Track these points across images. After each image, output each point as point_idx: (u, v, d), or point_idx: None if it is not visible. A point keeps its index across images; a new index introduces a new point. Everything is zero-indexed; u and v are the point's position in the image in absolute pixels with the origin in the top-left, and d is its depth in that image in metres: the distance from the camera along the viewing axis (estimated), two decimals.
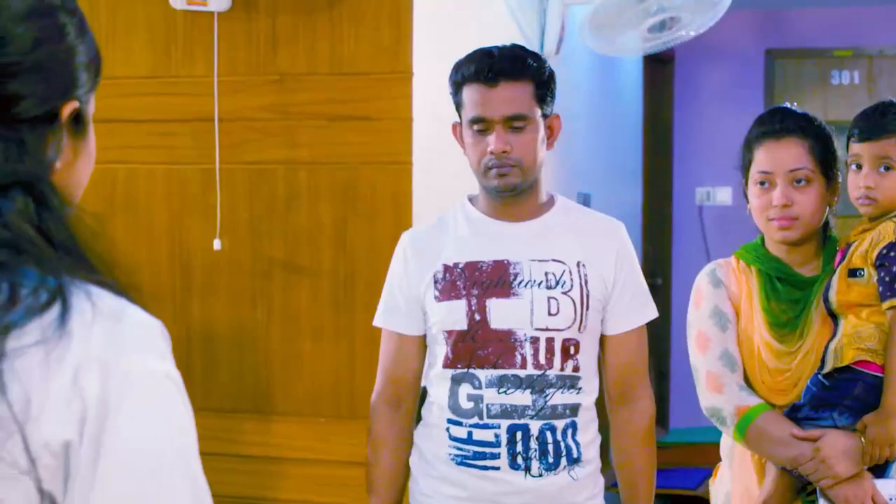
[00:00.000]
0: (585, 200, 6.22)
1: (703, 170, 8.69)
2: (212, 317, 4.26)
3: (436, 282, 3.14)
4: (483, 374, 3.07)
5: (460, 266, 3.12)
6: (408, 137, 4.00)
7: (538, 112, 3.09)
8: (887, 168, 3.02)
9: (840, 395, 2.97)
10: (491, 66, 3.05)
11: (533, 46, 5.05)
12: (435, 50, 4.13)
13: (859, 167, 3.06)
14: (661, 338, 8.33)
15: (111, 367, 1.25)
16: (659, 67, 8.66)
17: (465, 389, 3.10)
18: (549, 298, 3.08)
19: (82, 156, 1.44)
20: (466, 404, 3.10)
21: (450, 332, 3.11)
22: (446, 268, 3.14)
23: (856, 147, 3.07)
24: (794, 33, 8.74)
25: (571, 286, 3.09)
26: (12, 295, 1.24)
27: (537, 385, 3.06)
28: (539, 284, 3.08)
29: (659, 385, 8.22)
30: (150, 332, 1.33)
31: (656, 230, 8.67)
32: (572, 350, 3.09)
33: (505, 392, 3.05)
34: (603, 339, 3.21)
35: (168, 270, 4.28)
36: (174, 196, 4.28)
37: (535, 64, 3.10)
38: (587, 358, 3.13)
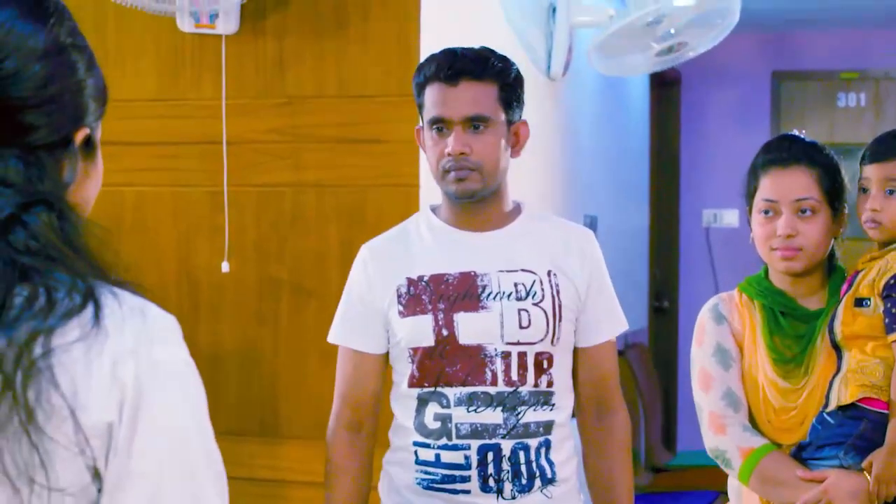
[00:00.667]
0: (592, 222, 6.22)
1: (710, 192, 8.69)
2: (219, 338, 4.26)
3: (399, 296, 2.97)
4: (451, 393, 2.90)
5: (425, 279, 2.96)
6: (415, 160, 4.01)
7: (502, 115, 2.95)
8: (892, 191, 2.99)
9: (845, 434, 2.89)
10: (452, 65, 2.92)
11: (540, 69, 5.06)
12: None
13: (866, 191, 3.03)
14: (668, 359, 8.31)
15: (142, 358, 1.46)
16: (666, 90, 8.67)
17: (432, 409, 2.93)
18: (519, 310, 2.92)
19: (91, 176, 1.61)
20: (433, 424, 2.93)
21: (415, 350, 2.94)
22: (410, 281, 2.97)
23: (866, 170, 3.04)
24: (801, 55, 8.76)
25: (543, 297, 2.94)
26: (49, 298, 1.42)
27: (509, 402, 2.89)
28: (509, 296, 2.92)
29: (666, 407, 8.20)
30: (170, 325, 1.53)
31: (663, 252, 8.66)
32: (545, 364, 2.95)
33: (475, 410, 2.89)
34: (576, 352, 3.06)
35: (175, 292, 4.29)
36: (182, 218, 4.29)
37: (500, 65, 2.96)
38: (561, 372, 2.99)
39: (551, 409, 2.95)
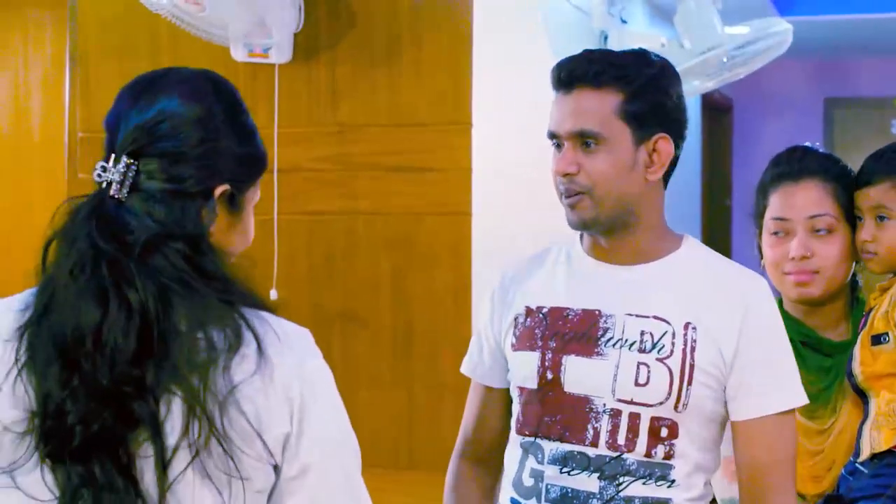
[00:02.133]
0: None
1: None
2: None
3: (515, 326, 2.55)
4: (548, 447, 2.45)
5: (544, 311, 2.51)
6: (467, 188, 4.01)
7: (625, 130, 2.41)
8: (882, 218, 2.65)
9: (882, 485, 2.50)
10: (569, 68, 2.46)
11: None
12: (494, 100, 4.14)
13: (860, 219, 2.69)
14: None
15: (303, 376, 1.81)
16: (717, 117, 8.65)
17: (530, 463, 2.48)
18: (639, 364, 2.41)
19: (236, 228, 1.93)
20: (528, 481, 2.48)
21: (521, 390, 2.52)
22: (528, 311, 2.54)
23: (857, 197, 2.70)
24: (853, 83, 8.72)
25: (671, 352, 2.40)
26: (234, 340, 1.74)
27: (608, 470, 2.39)
28: (631, 346, 2.42)
29: None
30: (308, 339, 1.87)
31: None
32: (665, 433, 2.40)
33: (568, 473, 2.43)
34: (732, 427, 2.47)
35: None
36: None
37: (626, 70, 2.43)
38: (690, 446, 2.41)
39: (668, 487, 2.41)
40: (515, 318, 2.56)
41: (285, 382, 1.78)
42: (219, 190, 1.85)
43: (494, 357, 2.62)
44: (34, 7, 5.62)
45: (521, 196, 3.94)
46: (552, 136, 2.47)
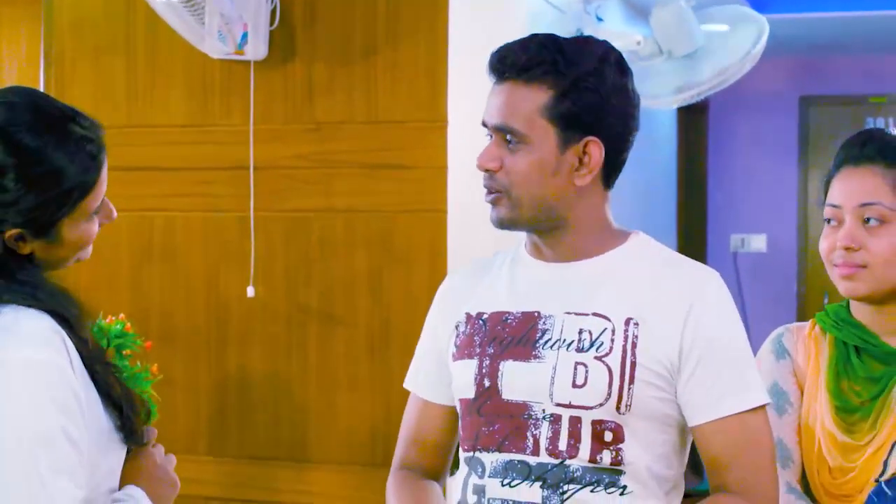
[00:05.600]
0: None
1: (738, 217, 8.67)
2: (247, 364, 4.27)
3: (457, 335, 2.38)
4: (488, 460, 2.27)
5: (484, 317, 2.35)
6: (443, 186, 4.02)
7: (550, 131, 2.22)
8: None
9: None
10: (498, 57, 2.26)
11: None
12: (470, 99, 4.14)
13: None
14: None
15: None
16: (693, 116, 8.67)
17: (472, 479, 2.30)
18: (576, 364, 2.22)
19: (59, 250, 2.06)
20: (471, 499, 2.30)
21: (461, 402, 2.35)
22: (468, 318, 2.37)
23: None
24: (829, 80, 8.74)
25: (610, 349, 2.21)
26: None
27: (551, 478, 2.21)
28: (568, 346, 2.24)
29: None
30: (22, 334, 1.94)
31: None
32: (609, 437, 2.21)
33: (509, 484, 2.24)
34: (692, 434, 2.29)
35: (204, 318, 4.30)
36: (210, 243, 4.31)
37: (560, 65, 2.22)
38: (641, 451, 2.23)
39: (621, 494, 2.21)
40: (456, 327, 2.39)
41: None
42: (9, 234, 1.99)
43: (440, 369, 2.43)
44: (8, 5, 5.60)
45: None
46: (483, 125, 2.30)
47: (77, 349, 1.99)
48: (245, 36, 4.07)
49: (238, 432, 4.27)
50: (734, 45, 4.84)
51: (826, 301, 8.13)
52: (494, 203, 2.28)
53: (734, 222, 8.73)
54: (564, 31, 4.99)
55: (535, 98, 2.21)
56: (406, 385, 2.55)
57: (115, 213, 2.12)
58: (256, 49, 4.12)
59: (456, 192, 4.06)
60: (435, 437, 2.47)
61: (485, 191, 2.29)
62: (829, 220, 2.47)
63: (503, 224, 2.29)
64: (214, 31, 4.03)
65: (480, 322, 2.34)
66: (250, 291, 4.19)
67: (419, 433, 2.49)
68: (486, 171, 2.26)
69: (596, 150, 2.25)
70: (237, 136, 4.23)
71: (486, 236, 3.94)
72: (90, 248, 2.11)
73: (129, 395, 2.09)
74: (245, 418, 4.27)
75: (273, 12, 4.14)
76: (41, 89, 4.57)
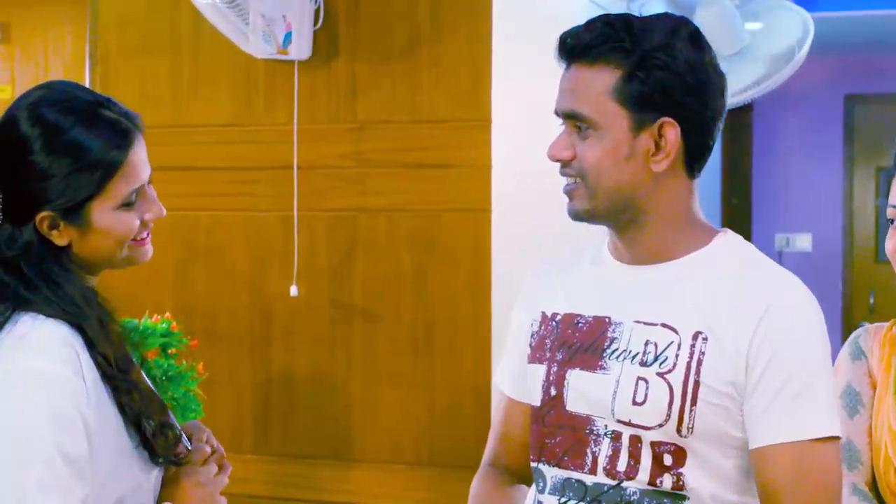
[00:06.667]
0: None
1: (783, 216, 8.62)
2: (291, 362, 4.28)
3: (532, 335, 2.24)
4: (549, 474, 2.15)
5: (558, 318, 2.20)
6: (486, 184, 4.01)
7: (620, 114, 2.05)
8: None
9: None
10: (563, 40, 2.12)
11: None
12: (513, 97, 4.14)
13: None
14: None
15: None
16: (737, 114, 8.63)
17: (535, 492, 2.20)
18: (637, 379, 2.05)
19: (90, 238, 2.02)
20: None
21: (531, 407, 2.22)
22: (543, 318, 2.23)
23: None
24: (873, 78, 8.68)
25: (674, 366, 2.02)
26: None
27: (606, 500, 2.06)
28: (633, 357, 2.06)
29: None
30: (32, 345, 1.92)
31: None
32: (669, 460, 2.03)
33: (565, 503, 2.11)
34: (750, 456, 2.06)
35: (248, 316, 4.32)
36: (254, 242, 4.32)
37: (626, 42, 2.05)
38: (704, 476, 2.04)
39: None
40: (531, 325, 2.25)
41: None
42: (40, 216, 1.99)
43: (521, 366, 2.26)
44: (53, 4, 5.63)
45: (540, 193, 3.93)
46: (556, 114, 2.15)
47: (96, 363, 1.94)
48: (289, 36, 4.09)
49: (282, 431, 4.28)
50: (780, 44, 4.81)
51: (871, 301, 8.08)
52: (571, 194, 2.11)
53: (779, 222, 8.68)
54: None
55: (602, 79, 2.05)
56: (494, 379, 2.46)
57: (163, 211, 2.07)
58: (300, 49, 4.13)
59: (500, 191, 4.05)
60: (520, 436, 2.28)
61: (563, 182, 2.12)
62: (892, 221, 2.35)
63: (578, 216, 2.12)
64: (259, 32, 4.05)
65: (553, 323, 2.19)
66: (293, 290, 4.20)
67: (505, 430, 2.34)
68: (558, 160, 2.11)
69: (672, 133, 2.06)
70: (281, 136, 4.24)
71: (530, 235, 3.94)
72: (146, 250, 2.08)
73: (151, 412, 2.01)
74: (289, 417, 4.28)
75: (317, 12, 4.15)
76: None
